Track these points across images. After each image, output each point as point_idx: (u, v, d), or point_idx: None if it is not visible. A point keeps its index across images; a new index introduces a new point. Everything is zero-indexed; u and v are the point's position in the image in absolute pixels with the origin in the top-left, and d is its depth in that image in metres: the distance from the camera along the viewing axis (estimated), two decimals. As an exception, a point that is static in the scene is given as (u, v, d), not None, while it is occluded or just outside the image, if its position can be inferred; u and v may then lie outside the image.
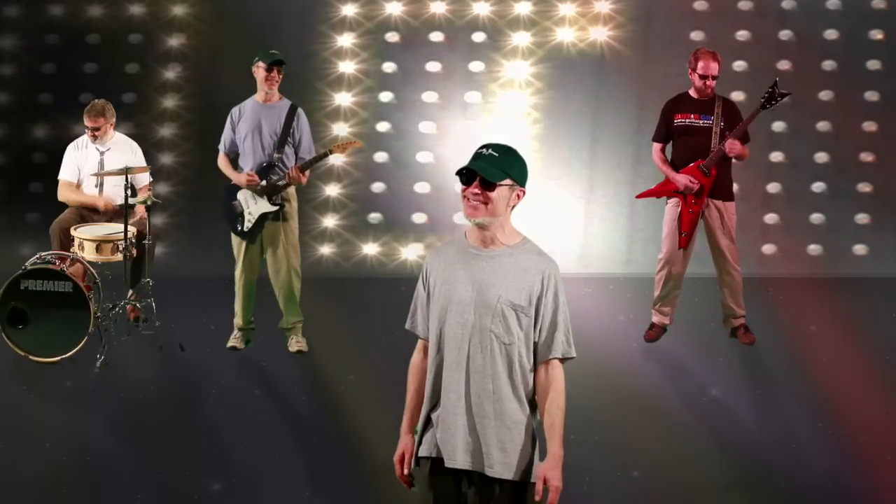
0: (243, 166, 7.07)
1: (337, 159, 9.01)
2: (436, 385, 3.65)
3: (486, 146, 3.61)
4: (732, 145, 6.95)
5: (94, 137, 7.52)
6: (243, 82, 7.49)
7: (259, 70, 6.99)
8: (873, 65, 9.13)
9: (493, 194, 3.55)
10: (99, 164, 7.52)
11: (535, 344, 3.63)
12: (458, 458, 3.60)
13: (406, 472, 3.75)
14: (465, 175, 3.58)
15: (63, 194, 7.61)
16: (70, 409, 6.42)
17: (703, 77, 7.05)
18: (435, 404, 3.66)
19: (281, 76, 6.99)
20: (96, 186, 7.57)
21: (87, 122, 7.48)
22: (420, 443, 3.70)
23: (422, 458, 3.71)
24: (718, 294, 7.33)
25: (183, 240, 9.12)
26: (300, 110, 7.06)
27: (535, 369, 3.65)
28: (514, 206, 3.63)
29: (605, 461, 5.70)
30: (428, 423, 3.68)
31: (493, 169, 3.55)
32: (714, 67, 7.05)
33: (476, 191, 3.55)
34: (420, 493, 3.71)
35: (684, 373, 7.01)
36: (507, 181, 3.57)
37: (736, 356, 7.15)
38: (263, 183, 6.95)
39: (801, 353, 7.23)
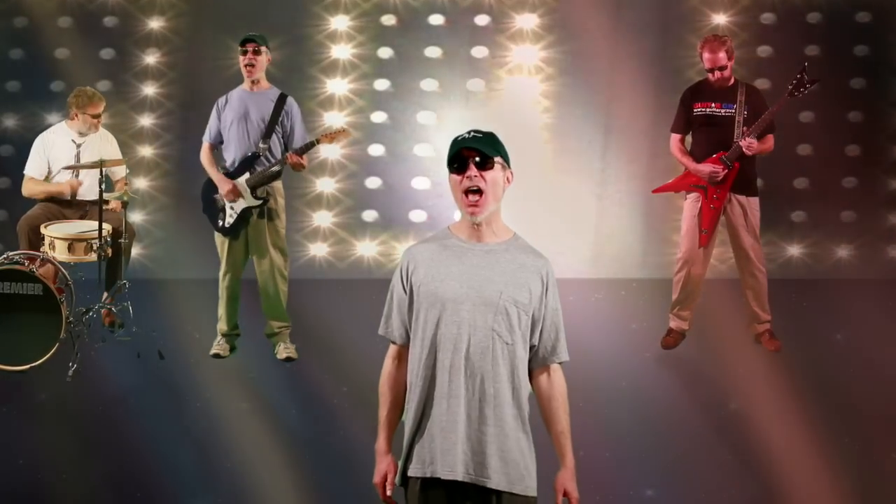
0: (227, 157, 7.10)
1: (330, 152, 9.03)
2: (427, 392, 3.67)
3: (465, 133, 3.68)
4: (750, 145, 6.95)
5: (96, 126, 7.56)
6: (229, 68, 7.52)
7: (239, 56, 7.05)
8: (910, 50, 9.16)
9: (490, 176, 3.63)
10: (75, 157, 7.54)
11: (532, 347, 3.71)
12: (457, 470, 3.61)
13: (389, 493, 3.75)
14: (458, 161, 3.64)
15: (27, 188, 7.62)
16: (40, 422, 6.43)
17: (710, 70, 7.06)
18: (424, 414, 3.67)
19: (260, 58, 6.97)
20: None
21: (90, 111, 7.51)
22: (408, 458, 3.70)
23: (410, 478, 3.70)
24: (741, 297, 7.35)
25: (163, 239, 9.13)
26: (290, 99, 7.08)
27: (531, 373, 3.73)
28: (504, 192, 3.70)
29: (617, 478, 5.71)
30: (415, 436, 3.69)
31: (485, 146, 3.65)
32: (721, 58, 7.02)
33: (475, 173, 3.61)
34: None
35: (704, 382, 7.01)
36: (499, 158, 3.67)
37: (760, 364, 7.15)
38: (247, 175, 6.98)
39: (830, 361, 7.25)
